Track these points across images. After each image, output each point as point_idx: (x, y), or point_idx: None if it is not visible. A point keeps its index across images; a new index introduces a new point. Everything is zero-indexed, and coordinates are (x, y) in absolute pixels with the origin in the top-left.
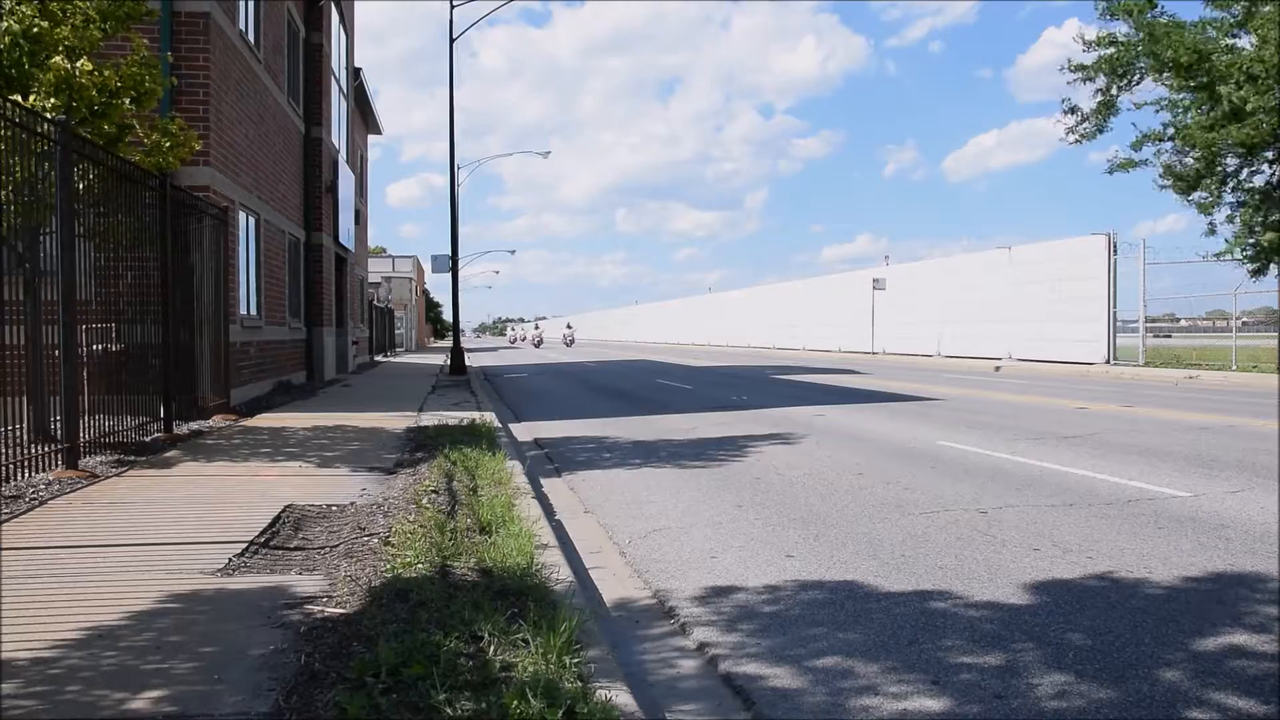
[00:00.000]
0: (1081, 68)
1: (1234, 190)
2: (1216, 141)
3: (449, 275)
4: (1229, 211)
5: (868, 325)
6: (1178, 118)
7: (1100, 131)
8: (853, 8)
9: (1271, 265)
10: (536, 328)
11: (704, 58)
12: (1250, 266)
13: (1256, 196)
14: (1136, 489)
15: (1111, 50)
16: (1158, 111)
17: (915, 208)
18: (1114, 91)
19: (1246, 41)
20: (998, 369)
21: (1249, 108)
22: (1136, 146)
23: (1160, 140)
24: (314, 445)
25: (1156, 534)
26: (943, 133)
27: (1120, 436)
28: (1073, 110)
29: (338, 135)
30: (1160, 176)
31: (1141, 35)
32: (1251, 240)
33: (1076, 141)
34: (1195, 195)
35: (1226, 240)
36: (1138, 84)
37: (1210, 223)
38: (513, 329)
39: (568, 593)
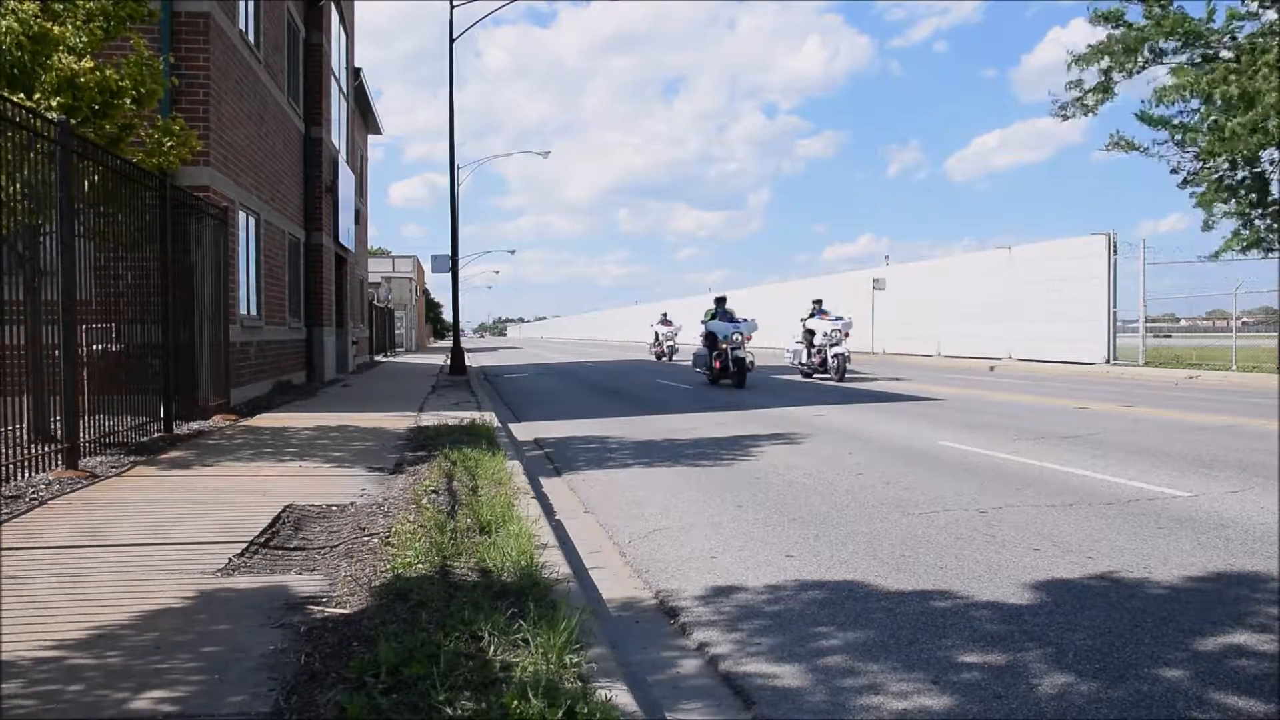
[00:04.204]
0: (1084, 57)
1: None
2: (1226, 147)
3: (449, 275)
4: (1230, 206)
5: (868, 325)
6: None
7: (1093, 110)
8: (858, 8)
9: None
10: (665, 321)
11: (708, 57)
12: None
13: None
14: (1136, 489)
15: (1119, 30)
16: (1160, 100)
17: (918, 207)
18: (1114, 76)
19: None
20: (992, 369)
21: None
22: (1143, 118)
23: (1166, 127)
24: (314, 445)
25: (1157, 534)
26: (946, 133)
27: (1120, 436)
28: (1076, 83)
29: (338, 135)
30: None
31: (1149, 23)
32: (1247, 231)
33: (1071, 114)
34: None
35: (1224, 237)
36: (1140, 70)
37: (1207, 219)
38: (665, 325)
39: (568, 593)
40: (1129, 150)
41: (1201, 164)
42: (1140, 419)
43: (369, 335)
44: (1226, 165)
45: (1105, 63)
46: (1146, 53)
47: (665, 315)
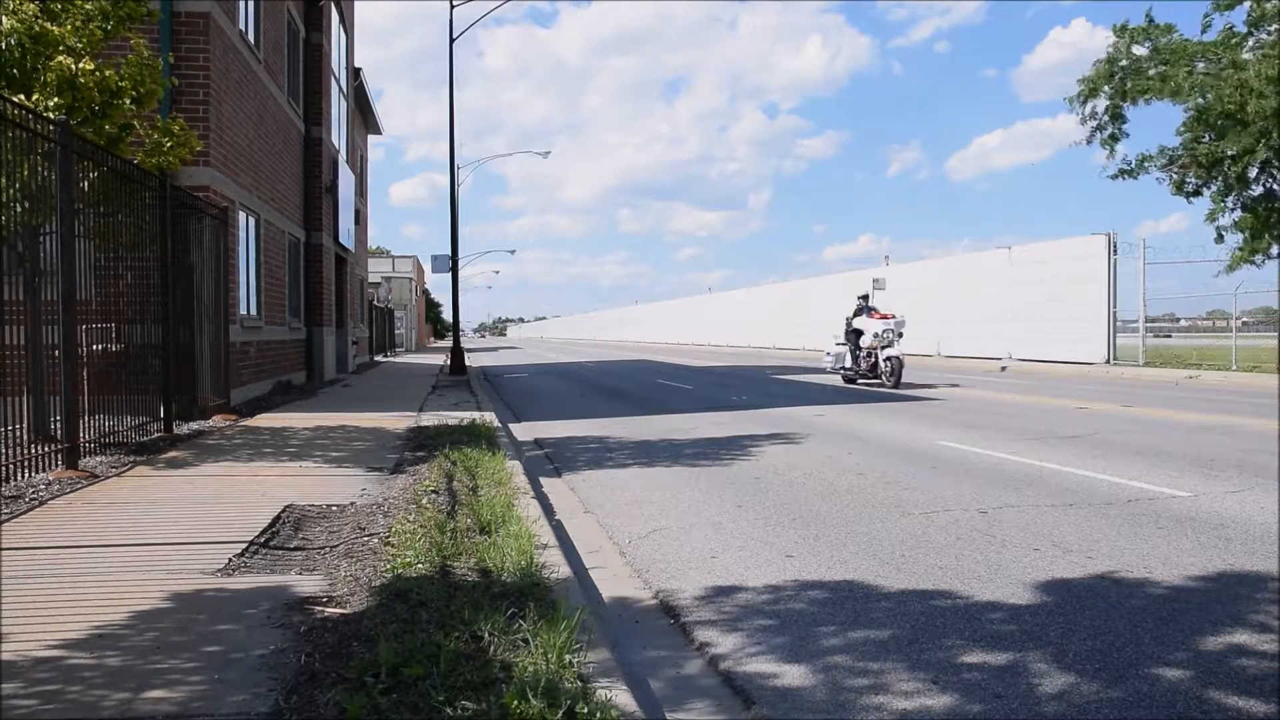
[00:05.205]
0: (1086, 80)
1: (1237, 195)
2: (1217, 152)
3: (449, 275)
4: (1235, 216)
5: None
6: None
7: (1115, 141)
8: (859, 8)
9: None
10: (870, 309)
11: (710, 57)
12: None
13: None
14: (1136, 489)
15: (1115, 76)
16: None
17: (918, 208)
18: (1121, 103)
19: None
20: (1003, 369)
21: (1250, 109)
22: (1141, 161)
23: (1168, 157)
24: (314, 445)
25: (1156, 534)
26: (947, 133)
27: (1120, 436)
28: (1092, 116)
29: (338, 135)
30: (1168, 184)
31: (1150, 52)
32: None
33: (1109, 154)
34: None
35: (1236, 249)
36: (1142, 95)
37: (1218, 228)
38: (873, 316)
39: (568, 592)
40: (1135, 175)
41: (1201, 172)
42: (1140, 419)
43: (369, 335)
44: (1233, 172)
45: (1110, 97)
46: (1148, 77)
47: (868, 298)
